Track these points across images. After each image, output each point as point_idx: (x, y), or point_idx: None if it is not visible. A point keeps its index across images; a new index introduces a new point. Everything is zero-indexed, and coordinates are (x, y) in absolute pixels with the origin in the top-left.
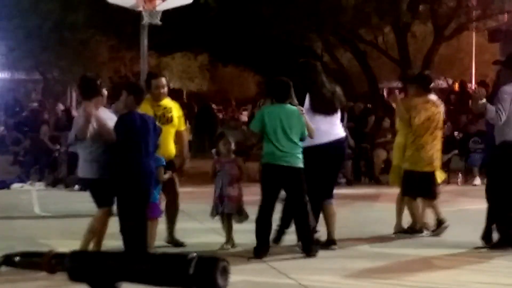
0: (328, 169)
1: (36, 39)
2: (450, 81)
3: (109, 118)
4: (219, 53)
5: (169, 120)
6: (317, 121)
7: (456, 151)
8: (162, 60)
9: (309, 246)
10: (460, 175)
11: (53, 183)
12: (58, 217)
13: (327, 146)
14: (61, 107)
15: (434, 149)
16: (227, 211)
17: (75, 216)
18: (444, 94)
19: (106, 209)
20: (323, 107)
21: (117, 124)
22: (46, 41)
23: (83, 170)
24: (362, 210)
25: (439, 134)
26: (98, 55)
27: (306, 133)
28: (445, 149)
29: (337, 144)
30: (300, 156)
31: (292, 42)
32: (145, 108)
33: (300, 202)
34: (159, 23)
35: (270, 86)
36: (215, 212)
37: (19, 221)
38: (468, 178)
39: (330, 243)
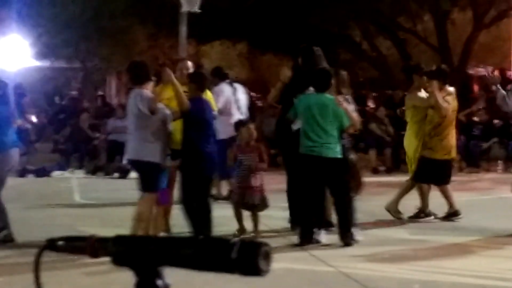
0: None
1: (76, 28)
2: (490, 69)
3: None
4: (257, 41)
5: None
6: None
7: (496, 139)
8: (201, 48)
9: (347, 235)
10: (500, 163)
11: (93, 171)
12: (98, 205)
13: None
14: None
15: (454, 138)
16: (251, 202)
17: (115, 204)
18: (483, 81)
19: (154, 194)
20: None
21: (190, 108)
22: (85, 29)
23: (137, 152)
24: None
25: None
26: (137, 44)
27: (347, 123)
28: (485, 137)
29: None
30: (334, 146)
31: (330, 30)
32: (168, 94)
33: (338, 193)
34: (198, 11)
35: (310, 76)
36: (234, 199)
37: (59, 208)
38: (508, 166)
39: (328, 225)
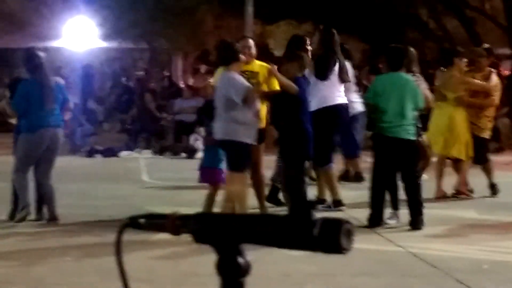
0: (323, 133)
1: (143, 9)
2: None
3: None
4: (323, 21)
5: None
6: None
7: None
8: (267, 28)
9: (416, 220)
10: None
11: (160, 151)
12: (165, 185)
13: (321, 112)
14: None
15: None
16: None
17: (182, 184)
18: None
19: (242, 173)
20: (325, 72)
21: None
22: (152, 10)
23: (225, 132)
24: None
25: None
26: (203, 24)
27: (422, 103)
28: None
29: (332, 109)
30: (410, 128)
31: (397, 9)
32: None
33: (408, 175)
34: None
35: (384, 54)
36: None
37: (127, 188)
38: None
39: (337, 204)
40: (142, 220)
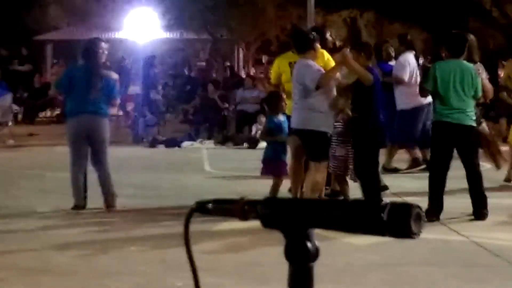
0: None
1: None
2: None
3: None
4: (385, 10)
5: None
6: None
7: None
8: (328, 18)
9: (479, 210)
10: None
11: (222, 141)
12: (227, 175)
13: None
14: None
15: None
16: (338, 171)
17: (245, 174)
18: None
19: (325, 162)
20: None
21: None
22: (214, 0)
23: (303, 121)
24: None
25: None
26: (265, 14)
27: (480, 92)
28: None
29: None
30: (471, 114)
31: None
32: (283, 65)
33: (470, 163)
34: None
35: (445, 40)
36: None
37: (190, 178)
38: None
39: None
40: (210, 205)
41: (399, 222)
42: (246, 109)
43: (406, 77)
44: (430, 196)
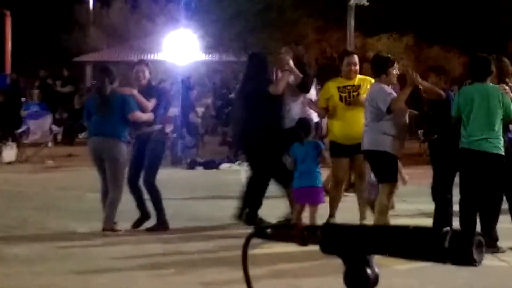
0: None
1: (244, 21)
2: None
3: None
4: (424, 33)
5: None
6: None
7: None
8: (368, 41)
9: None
10: None
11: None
12: (266, 197)
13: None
14: None
15: None
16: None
17: (282, 195)
18: None
19: (393, 184)
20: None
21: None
22: (254, 22)
23: (373, 143)
24: None
25: None
26: (304, 36)
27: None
28: None
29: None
30: (496, 141)
31: (499, 21)
32: (331, 89)
33: (488, 191)
34: (366, 3)
35: (469, 63)
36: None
37: (228, 200)
38: None
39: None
40: (269, 230)
41: (461, 250)
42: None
43: None
44: (461, 223)
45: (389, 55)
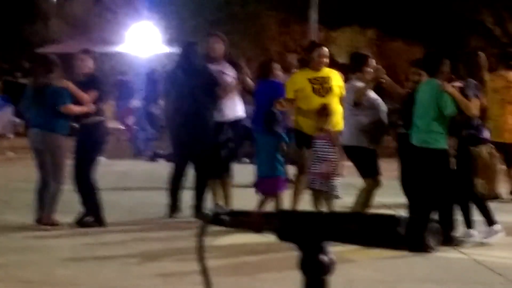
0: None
1: (207, 14)
2: None
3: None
4: (387, 27)
5: (329, 90)
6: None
7: None
8: (331, 34)
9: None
10: None
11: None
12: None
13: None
14: None
15: None
16: (317, 187)
17: (245, 186)
18: None
19: (372, 178)
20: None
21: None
22: (216, 15)
23: (350, 138)
24: None
25: None
26: (267, 30)
27: (451, 110)
28: None
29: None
30: (433, 136)
31: (462, 15)
32: (301, 81)
33: (430, 185)
34: None
35: (423, 60)
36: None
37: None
38: None
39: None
40: (225, 217)
41: (416, 237)
42: (246, 123)
43: None
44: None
45: (367, 53)
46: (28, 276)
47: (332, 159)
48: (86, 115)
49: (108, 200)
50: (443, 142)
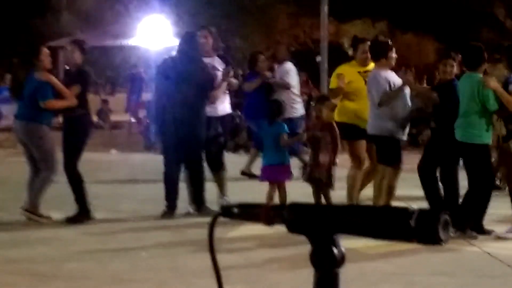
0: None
1: (217, 7)
2: None
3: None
4: (398, 20)
5: None
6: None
7: None
8: (341, 27)
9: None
10: None
11: (234, 149)
12: (238, 182)
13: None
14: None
15: None
16: (316, 176)
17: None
18: None
19: (393, 166)
20: None
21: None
22: (227, 8)
23: (375, 127)
24: None
25: None
26: (278, 23)
27: (493, 105)
28: None
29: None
30: (476, 132)
31: (473, 8)
32: (352, 74)
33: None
34: None
35: (462, 52)
36: (305, 176)
37: None
38: None
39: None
40: (235, 210)
41: (427, 229)
42: None
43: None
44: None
45: (387, 40)
46: (40, 270)
47: (331, 150)
48: (70, 108)
49: (120, 192)
50: (486, 138)
